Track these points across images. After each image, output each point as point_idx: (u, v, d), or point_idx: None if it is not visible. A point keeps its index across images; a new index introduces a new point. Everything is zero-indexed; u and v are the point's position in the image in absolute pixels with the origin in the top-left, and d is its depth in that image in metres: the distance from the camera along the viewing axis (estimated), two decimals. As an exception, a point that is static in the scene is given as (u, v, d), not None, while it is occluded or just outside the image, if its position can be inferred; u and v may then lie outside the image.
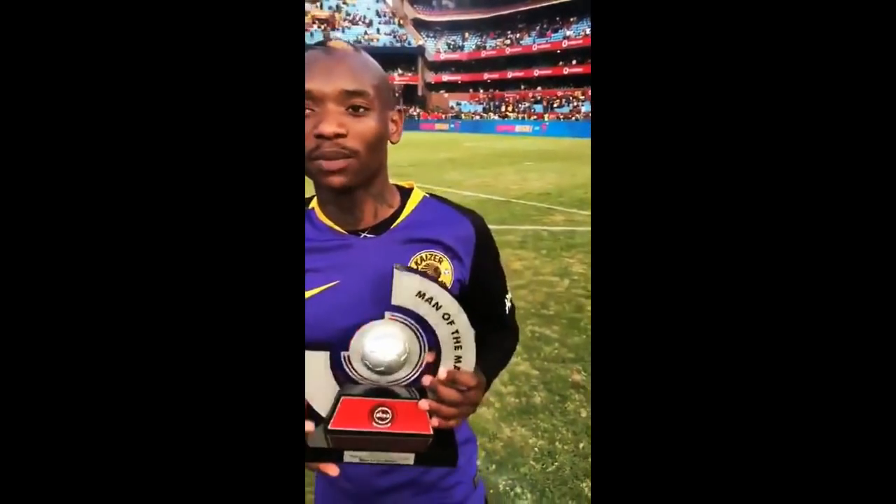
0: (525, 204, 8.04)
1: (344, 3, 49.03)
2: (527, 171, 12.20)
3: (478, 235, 0.85)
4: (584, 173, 11.92)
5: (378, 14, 49.61)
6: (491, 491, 2.06)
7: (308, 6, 46.91)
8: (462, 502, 0.91)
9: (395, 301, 0.65)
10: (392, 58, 46.13)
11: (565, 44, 39.64)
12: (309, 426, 0.67)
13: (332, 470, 0.68)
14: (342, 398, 0.67)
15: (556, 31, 42.38)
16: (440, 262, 0.81)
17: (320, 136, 0.68)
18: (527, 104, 39.97)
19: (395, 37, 47.04)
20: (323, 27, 45.37)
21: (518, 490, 2.08)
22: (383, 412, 0.67)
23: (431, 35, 50.55)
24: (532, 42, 43.10)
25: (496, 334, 0.92)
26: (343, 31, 45.93)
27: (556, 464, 2.23)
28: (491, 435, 2.43)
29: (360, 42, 44.94)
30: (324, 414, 0.68)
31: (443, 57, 47.92)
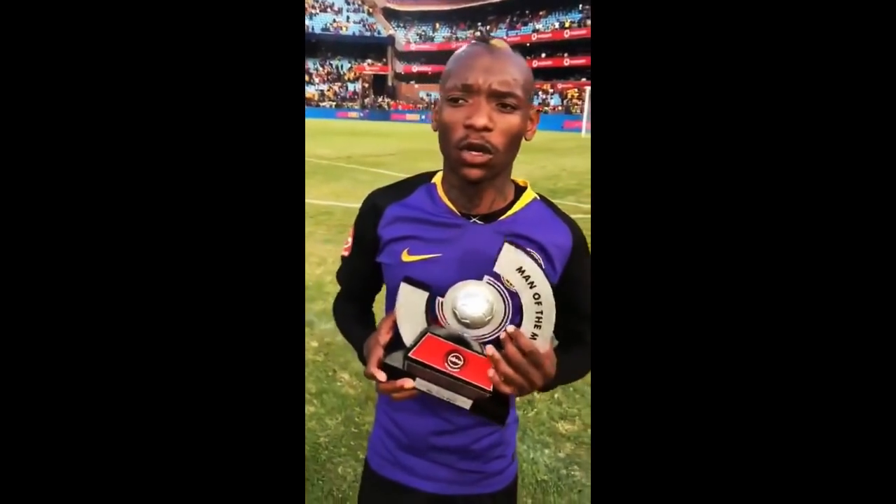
0: (498, 193, 8.37)
1: (313, -11, 48.26)
2: (498, 162, 12.56)
3: (574, 246, 0.89)
4: (553, 164, 12.38)
5: (347, 2, 49.02)
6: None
7: (275, -8, 45.81)
8: (499, 473, 0.99)
9: (497, 268, 0.72)
10: (362, 47, 45.77)
11: (535, 37, 40.16)
12: (393, 358, 0.77)
13: (408, 383, 0.76)
14: (427, 334, 0.75)
15: (525, 24, 42.86)
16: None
17: (470, 127, 0.75)
18: (496, 96, 40.25)
19: (364, 25, 46.63)
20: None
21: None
22: (457, 357, 0.75)
23: (401, 25, 50.29)
24: (502, 34, 43.45)
25: (574, 348, 0.92)
26: (311, 18, 45.25)
27: (535, 410, 2.59)
28: (478, 389, 2.76)
29: (328, 30, 44.37)
30: (408, 342, 0.77)
31: (413, 48, 47.79)
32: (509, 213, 0.87)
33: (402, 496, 0.97)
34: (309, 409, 2.51)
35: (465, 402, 0.77)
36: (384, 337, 0.79)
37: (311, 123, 29.74)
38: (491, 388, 0.75)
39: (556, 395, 2.71)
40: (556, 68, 37.53)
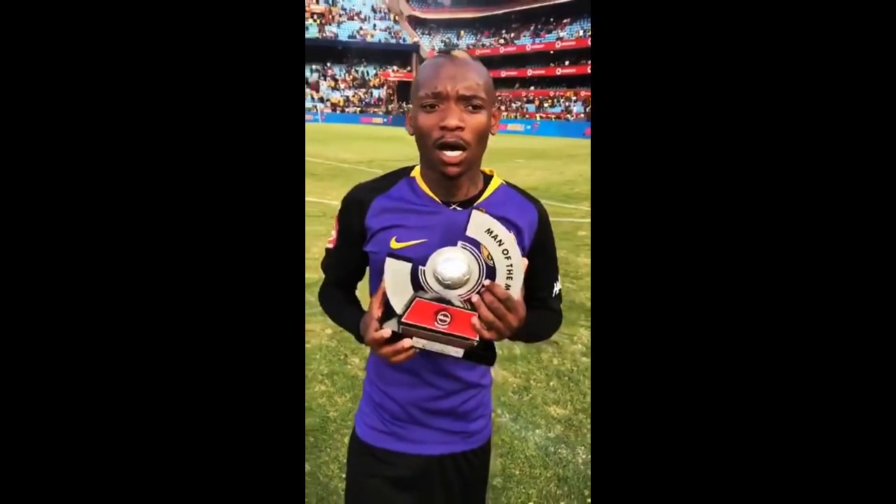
0: (514, 197, 8.56)
1: (340, -3, 49.20)
2: (517, 168, 12.75)
3: (540, 220, 1.05)
4: (571, 171, 12.49)
5: (374, 10, 49.81)
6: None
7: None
8: (480, 431, 1.13)
9: (468, 232, 0.82)
10: (387, 54, 46.46)
11: (559, 45, 40.20)
12: (387, 328, 0.86)
13: (407, 343, 0.85)
14: (416, 299, 0.85)
15: (549, 31, 42.94)
16: None
17: (444, 128, 0.88)
18: (519, 103, 40.49)
19: (390, 33, 47.29)
20: (318, 21, 45.50)
21: (498, 411, 2.60)
22: (444, 315, 0.84)
23: (426, 32, 50.87)
24: (527, 42, 43.61)
25: (540, 312, 1.06)
26: (338, 26, 46.13)
27: (530, 396, 2.76)
28: (478, 376, 2.95)
29: (354, 37, 45.15)
30: (398, 310, 0.86)
31: (436, 52, 48.15)
32: (482, 197, 1.01)
33: (397, 460, 1.08)
34: (321, 387, 2.74)
35: (458, 352, 0.87)
36: (377, 311, 0.87)
37: (335, 128, 30.30)
38: (476, 338, 0.85)
39: (551, 383, 2.88)
40: (580, 76, 37.52)
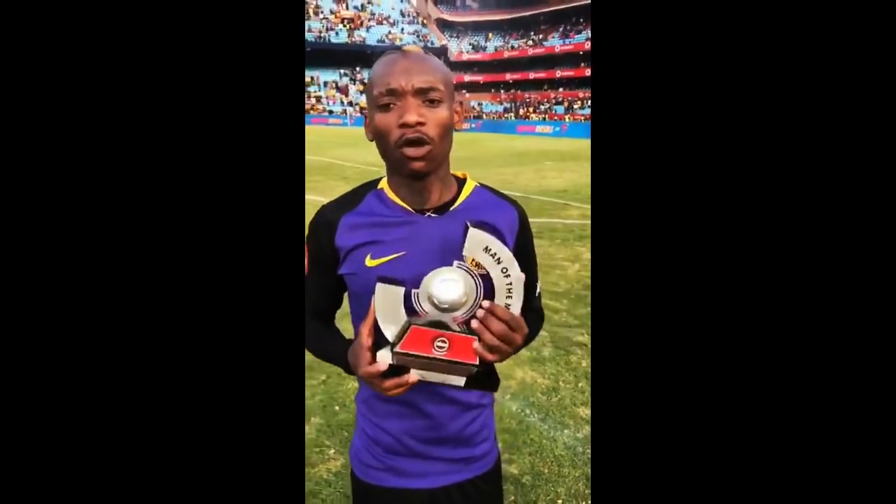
0: (543, 199, 8.56)
1: (369, 2, 49.79)
2: (546, 170, 12.70)
3: (520, 221, 0.99)
4: (584, 170, 12.34)
5: (402, 14, 50.26)
6: (505, 411, 2.63)
7: (334, 6, 47.75)
8: (485, 455, 1.05)
9: (465, 252, 0.76)
10: (415, 57, 46.66)
11: (588, 45, 39.77)
12: (383, 359, 0.79)
13: (412, 378, 0.79)
14: (411, 326, 0.79)
15: (579, 32, 42.57)
16: None
17: (404, 126, 0.82)
18: (548, 105, 40.25)
19: (418, 36, 47.64)
20: (348, 26, 46.17)
21: (527, 412, 2.64)
22: (442, 341, 0.79)
23: (455, 35, 51.05)
24: (556, 43, 43.33)
25: (527, 315, 0.97)
26: (367, 31, 46.70)
27: (559, 396, 2.79)
28: (506, 375, 2.99)
29: (383, 41, 45.64)
30: (391, 339, 0.79)
31: (465, 57, 48.38)
32: (458, 202, 0.94)
33: (398, 498, 0.99)
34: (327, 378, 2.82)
35: (459, 380, 0.81)
36: (367, 339, 0.80)
37: (361, 132, 30.56)
38: (478, 362, 0.79)
39: (579, 384, 2.90)
40: (610, 76, 37.00)
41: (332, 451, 2.32)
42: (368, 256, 0.90)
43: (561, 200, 8.49)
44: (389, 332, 0.80)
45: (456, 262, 0.79)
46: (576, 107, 38.15)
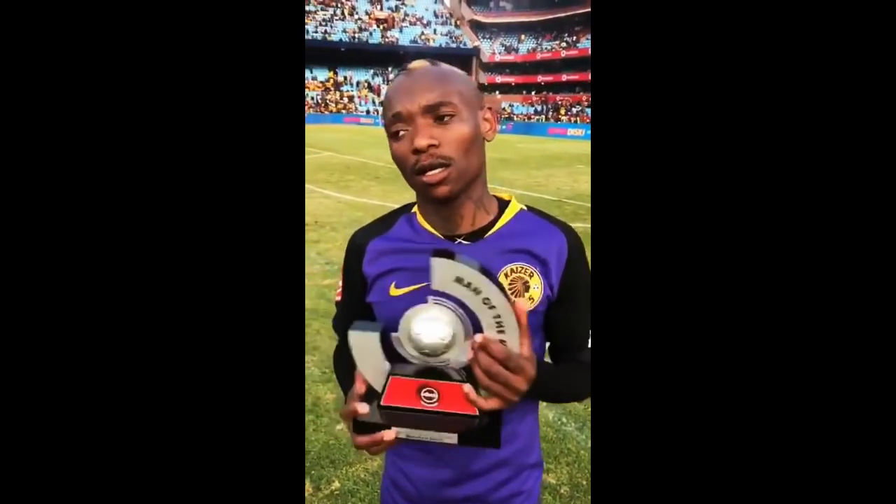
0: (575, 203, 8.47)
1: (402, 3, 50.16)
2: (578, 174, 12.56)
3: (570, 249, 0.83)
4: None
5: (436, 15, 50.46)
6: (543, 420, 2.61)
7: (368, 7, 48.27)
8: None
9: (434, 286, 0.64)
10: (447, 58, 46.72)
11: (622, 47, 39.16)
12: (363, 407, 0.68)
13: (388, 436, 0.67)
14: (391, 377, 0.69)
15: (613, 34, 41.94)
16: (530, 276, 0.81)
17: (416, 151, 0.74)
18: (580, 107, 39.83)
19: (451, 38, 47.75)
20: (382, 27, 46.60)
21: (564, 419, 2.61)
22: (430, 392, 0.68)
23: (487, 37, 50.99)
24: (587, 45, 42.82)
25: (570, 366, 0.85)
26: (401, 31, 47.03)
27: (596, 406, 2.75)
28: (542, 383, 2.96)
29: (415, 42, 45.92)
30: (378, 389, 0.69)
31: (497, 59, 48.28)
32: (496, 227, 0.83)
33: None
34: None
35: (451, 437, 0.68)
36: (360, 387, 0.70)
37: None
38: (476, 412, 0.67)
39: (617, 395, 2.86)
40: (645, 79, 36.44)
41: (370, 451, 2.35)
42: (393, 285, 0.82)
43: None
44: (376, 383, 0.70)
45: (431, 298, 0.67)
46: (609, 110, 37.53)
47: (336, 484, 2.16)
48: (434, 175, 0.74)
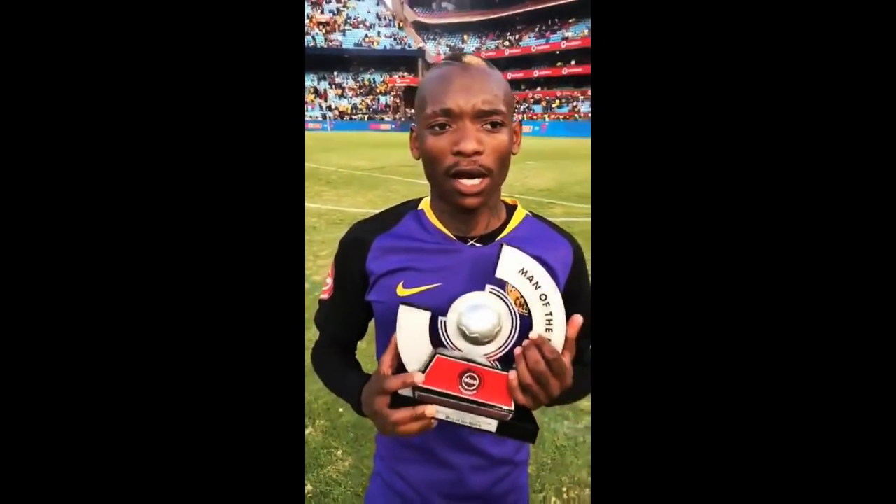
0: (528, 199, 8.66)
1: (344, 6, 49.63)
2: (529, 170, 12.83)
3: (575, 259, 0.85)
4: (582, 171, 12.56)
5: (378, 17, 50.17)
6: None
7: (308, 10, 47.48)
8: None
9: (498, 274, 0.66)
10: (393, 60, 46.76)
11: (564, 45, 40.21)
12: (419, 377, 0.66)
13: (429, 410, 0.66)
14: (437, 356, 0.67)
15: (554, 32, 42.99)
16: None
17: (460, 153, 0.70)
18: (526, 105, 40.55)
19: (395, 39, 47.60)
20: (324, 31, 45.97)
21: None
22: (471, 378, 0.67)
23: (432, 37, 51.14)
24: (531, 44, 43.67)
25: (574, 368, 0.87)
26: (344, 34, 46.54)
27: (557, 389, 2.85)
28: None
29: (360, 45, 45.56)
30: (410, 369, 0.68)
31: (443, 59, 48.38)
32: (505, 231, 0.83)
33: None
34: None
35: (490, 424, 0.69)
36: (388, 370, 0.69)
37: (345, 136, 30.53)
38: (512, 406, 0.67)
39: (576, 377, 2.97)
40: (587, 75, 37.48)
41: (340, 451, 2.36)
42: (401, 285, 0.79)
43: (546, 199, 8.60)
44: (412, 364, 0.68)
45: (488, 287, 0.69)
46: (554, 106, 38.50)
47: (308, 487, 2.18)
48: (473, 185, 0.72)
